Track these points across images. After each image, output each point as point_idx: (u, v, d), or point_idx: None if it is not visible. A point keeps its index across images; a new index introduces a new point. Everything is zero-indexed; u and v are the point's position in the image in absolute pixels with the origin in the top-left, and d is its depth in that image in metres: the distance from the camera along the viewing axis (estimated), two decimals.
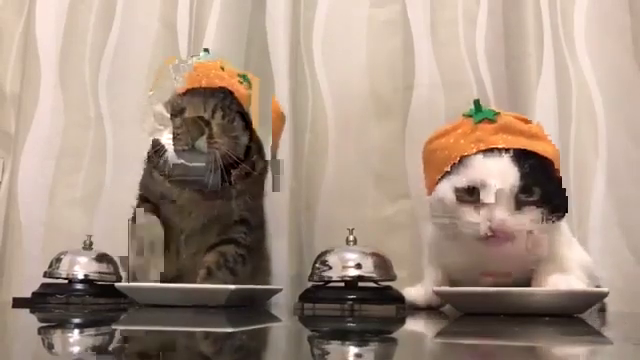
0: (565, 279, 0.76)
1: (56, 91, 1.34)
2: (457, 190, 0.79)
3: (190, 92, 0.95)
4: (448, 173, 0.81)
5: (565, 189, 0.80)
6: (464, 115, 0.85)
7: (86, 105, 1.34)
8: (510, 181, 0.76)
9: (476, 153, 0.80)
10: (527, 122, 0.85)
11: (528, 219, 0.76)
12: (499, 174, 0.77)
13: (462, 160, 0.80)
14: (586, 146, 1.16)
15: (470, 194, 0.78)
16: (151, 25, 1.37)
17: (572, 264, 0.81)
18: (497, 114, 0.83)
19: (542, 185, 0.77)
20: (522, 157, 0.78)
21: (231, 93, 0.95)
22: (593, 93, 1.18)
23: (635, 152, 1.14)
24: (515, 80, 1.17)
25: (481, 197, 0.77)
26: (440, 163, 0.83)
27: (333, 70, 1.30)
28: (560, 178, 0.81)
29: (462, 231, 0.78)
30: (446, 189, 0.81)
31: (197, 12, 1.29)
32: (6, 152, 1.36)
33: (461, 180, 0.79)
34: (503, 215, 0.76)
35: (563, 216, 0.80)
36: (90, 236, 1.02)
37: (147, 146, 1.32)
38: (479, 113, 0.83)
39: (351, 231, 0.91)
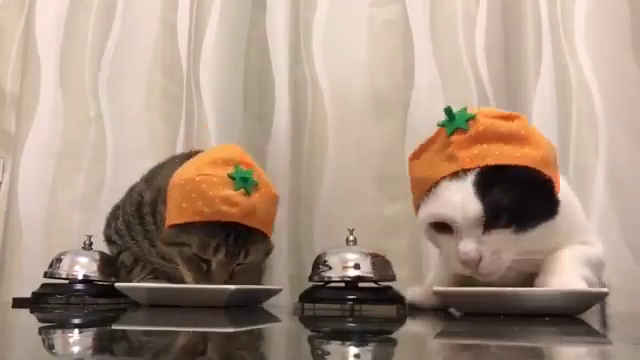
0: (563, 281, 0.76)
1: (56, 91, 1.34)
2: (430, 224, 0.80)
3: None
4: (423, 201, 0.81)
5: (552, 190, 0.77)
6: (438, 125, 0.81)
7: (86, 105, 1.34)
8: (473, 213, 0.75)
9: (443, 178, 0.78)
10: (509, 118, 0.81)
11: (497, 240, 0.76)
12: (461, 207, 0.76)
13: (431, 189, 0.80)
14: (586, 146, 1.16)
15: (442, 226, 0.79)
16: (151, 25, 1.37)
17: (574, 263, 0.80)
18: (472, 118, 0.79)
19: (511, 205, 0.75)
20: (490, 177, 0.76)
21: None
22: (593, 93, 1.18)
23: (635, 152, 1.14)
24: (514, 79, 1.17)
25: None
26: (418, 188, 0.83)
27: (333, 70, 1.30)
28: (549, 179, 0.78)
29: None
30: (422, 220, 0.81)
31: (197, 12, 1.29)
32: (6, 152, 1.36)
33: (431, 215, 0.79)
34: (467, 247, 0.75)
35: (549, 218, 0.77)
36: (90, 236, 1.02)
37: (146, 146, 1.33)
38: (451, 123, 0.80)
39: (351, 231, 0.91)
